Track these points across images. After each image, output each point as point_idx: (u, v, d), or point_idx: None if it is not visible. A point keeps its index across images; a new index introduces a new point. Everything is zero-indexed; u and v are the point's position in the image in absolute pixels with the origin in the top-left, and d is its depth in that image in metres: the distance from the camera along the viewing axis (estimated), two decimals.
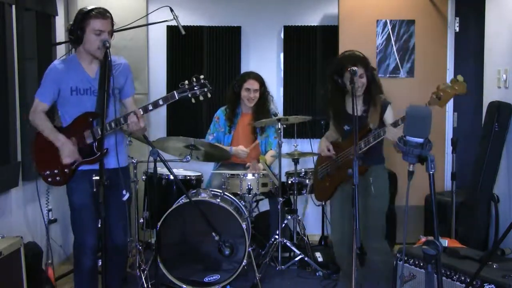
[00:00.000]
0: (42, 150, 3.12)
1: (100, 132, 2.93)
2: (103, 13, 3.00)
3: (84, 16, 2.98)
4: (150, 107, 3.06)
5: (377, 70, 3.55)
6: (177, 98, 3.05)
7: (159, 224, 3.75)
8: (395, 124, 3.17)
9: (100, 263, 3.32)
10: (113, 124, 3.04)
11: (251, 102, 4.51)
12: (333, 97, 3.51)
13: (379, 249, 3.43)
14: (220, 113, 4.64)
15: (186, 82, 3.07)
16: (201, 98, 3.08)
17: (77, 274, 3.20)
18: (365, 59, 3.44)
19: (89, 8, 3.00)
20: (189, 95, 3.06)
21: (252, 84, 4.50)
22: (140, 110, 3.06)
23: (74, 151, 3.06)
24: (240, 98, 4.55)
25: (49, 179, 3.12)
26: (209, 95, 3.09)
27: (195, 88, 3.05)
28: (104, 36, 2.98)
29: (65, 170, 3.09)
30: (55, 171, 3.09)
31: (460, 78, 3.00)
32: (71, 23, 3.06)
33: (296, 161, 4.46)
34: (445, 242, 3.45)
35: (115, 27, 3.11)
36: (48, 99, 3.09)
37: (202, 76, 3.07)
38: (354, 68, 3.17)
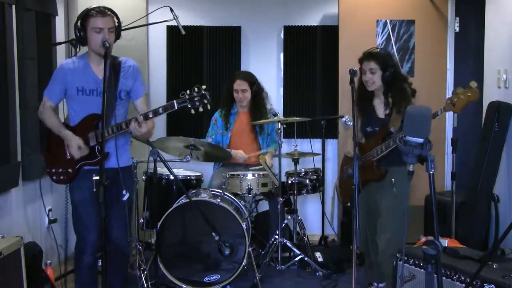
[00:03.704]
0: (51, 146, 3.18)
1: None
2: (102, 11, 3.01)
3: (85, 15, 3.01)
4: (151, 115, 3.06)
5: (405, 74, 3.51)
6: (176, 108, 3.01)
7: (159, 224, 3.75)
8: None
9: (99, 263, 3.33)
10: (114, 129, 3.05)
11: (242, 102, 4.53)
12: (359, 96, 3.48)
13: (387, 249, 3.42)
14: (217, 115, 4.65)
15: (188, 92, 3.03)
16: (201, 109, 3.04)
17: (77, 272, 3.22)
18: (379, 54, 3.44)
19: (90, 7, 3.02)
20: (189, 106, 3.02)
21: (240, 85, 4.50)
22: (141, 116, 3.06)
23: (81, 145, 3.06)
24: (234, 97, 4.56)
25: (54, 177, 3.17)
26: (209, 107, 3.05)
27: (195, 99, 3.01)
28: (104, 35, 2.99)
29: (69, 169, 3.11)
30: (60, 169, 3.13)
31: (473, 84, 2.96)
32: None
33: (296, 161, 4.46)
34: (445, 242, 3.45)
35: None
36: (54, 98, 3.16)
37: (204, 87, 3.03)
38: (354, 68, 3.18)
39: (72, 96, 3.12)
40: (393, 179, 3.41)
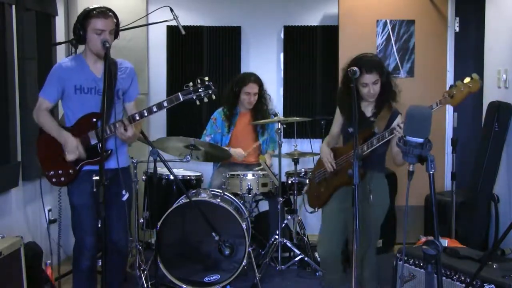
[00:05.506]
0: (45, 150, 3.12)
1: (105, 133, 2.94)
2: (104, 13, 3.00)
3: (86, 15, 2.99)
4: (155, 109, 3.06)
5: (392, 75, 3.38)
6: (181, 100, 3.04)
7: (159, 224, 3.75)
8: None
9: (99, 263, 3.33)
10: (112, 128, 3.05)
11: (251, 105, 4.53)
12: (345, 98, 3.27)
13: (366, 257, 3.32)
14: (218, 115, 4.64)
15: (191, 84, 3.05)
16: (206, 100, 3.08)
17: (76, 273, 3.20)
18: (380, 63, 3.21)
19: (91, 7, 3.01)
20: (194, 97, 3.05)
21: (253, 88, 4.50)
22: (137, 114, 3.06)
23: (78, 147, 3.03)
24: (239, 98, 4.55)
25: (53, 180, 3.11)
26: (213, 97, 3.09)
27: (200, 90, 3.05)
28: (105, 36, 2.98)
29: (70, 170, 3.08)
30: (60, 171, 3.09)
31: (475, 76, 2.83)
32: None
33: (296, 161, 4.46)
34: (445, 242, 3.45)
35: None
36: (52, 98, 3.09)
37: (206, 78, 3.07)
38: (355, 68, 3.11)
39: (69, 95, 3.08)
40: (371, 186, 3.20)
